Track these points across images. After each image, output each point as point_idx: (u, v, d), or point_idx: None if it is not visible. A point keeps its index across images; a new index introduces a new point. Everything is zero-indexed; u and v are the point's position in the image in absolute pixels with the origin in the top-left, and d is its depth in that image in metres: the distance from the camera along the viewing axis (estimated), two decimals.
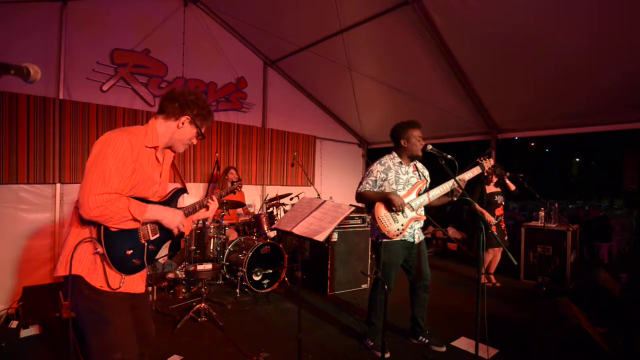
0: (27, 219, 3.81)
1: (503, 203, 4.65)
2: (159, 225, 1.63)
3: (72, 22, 4.04)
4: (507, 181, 4.72)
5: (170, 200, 1.73)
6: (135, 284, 1.61)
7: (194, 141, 1.70)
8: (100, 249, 1.44)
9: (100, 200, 1.36)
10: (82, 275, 1.45)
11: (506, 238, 4.69)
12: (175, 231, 1.67)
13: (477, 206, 4.45)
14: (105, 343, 1.47)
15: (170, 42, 4.85)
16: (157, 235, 1.64)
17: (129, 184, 1.48)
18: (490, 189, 4.63)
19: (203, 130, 1.69)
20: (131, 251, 1.53)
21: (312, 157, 6.82)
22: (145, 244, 1.58)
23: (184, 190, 1.82)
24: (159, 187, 1.67)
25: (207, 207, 1.90)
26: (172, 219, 1.62)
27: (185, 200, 1.84)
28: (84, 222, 1.44)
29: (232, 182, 2.12)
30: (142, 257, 1.57)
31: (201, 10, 5.20)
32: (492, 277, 4.79)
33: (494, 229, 4.42)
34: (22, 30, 3.72)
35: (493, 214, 4.51)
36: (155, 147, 1.59)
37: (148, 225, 1.59)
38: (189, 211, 1.79)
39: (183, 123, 1.61)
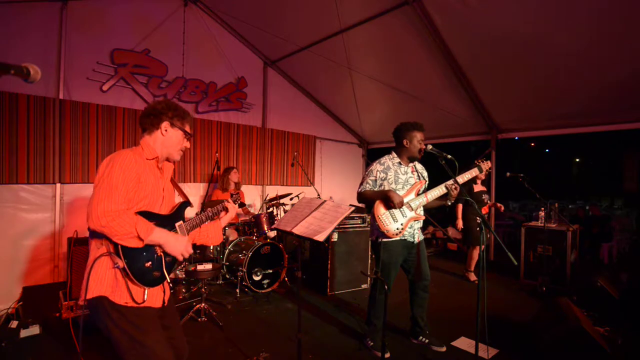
0: (27, 219, 3.81)
1: (489, 202, 4.89)
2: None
3: (72, 22, 4.04)
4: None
5: (177, 213, 1.73)
6: (155, 297, 1.61)
7: (186, 144, 1.74)
8: (120, 263, 1.44)
9: (107, 210, 1.38)
10: (105, 295, 1.45)
11: (489, 236, 4.89)
12: (180, 258, 1.64)
13: (460, 207, 4.83)
14: None
15: (170, 42, 4.85)
16: None
17: (136, 197, 1.52)
18: (478, 187, 4.84)
19: (187, 130, 1.72)
20: (149, 263, 1.53)
21: (312, 157, 6.82)
22: (162, 255, 1.59)
23: (188, 204, 1.82)
24: (163, 201, 1.68)
25: (227, 210, 1.94)
26: (174, 244, 1.59)
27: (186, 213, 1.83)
28: (100, 237, 1.45)
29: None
30: (161, 268, 1.59)
31: (201, 10, 5.20)
32: (472, 274, 4.92)
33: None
34: (22, 30, 3.72)
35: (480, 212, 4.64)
36: (155, 158, 1.66)
37: None
38: (195, 223, 1.80)
39: (166, 130, 1.66)
